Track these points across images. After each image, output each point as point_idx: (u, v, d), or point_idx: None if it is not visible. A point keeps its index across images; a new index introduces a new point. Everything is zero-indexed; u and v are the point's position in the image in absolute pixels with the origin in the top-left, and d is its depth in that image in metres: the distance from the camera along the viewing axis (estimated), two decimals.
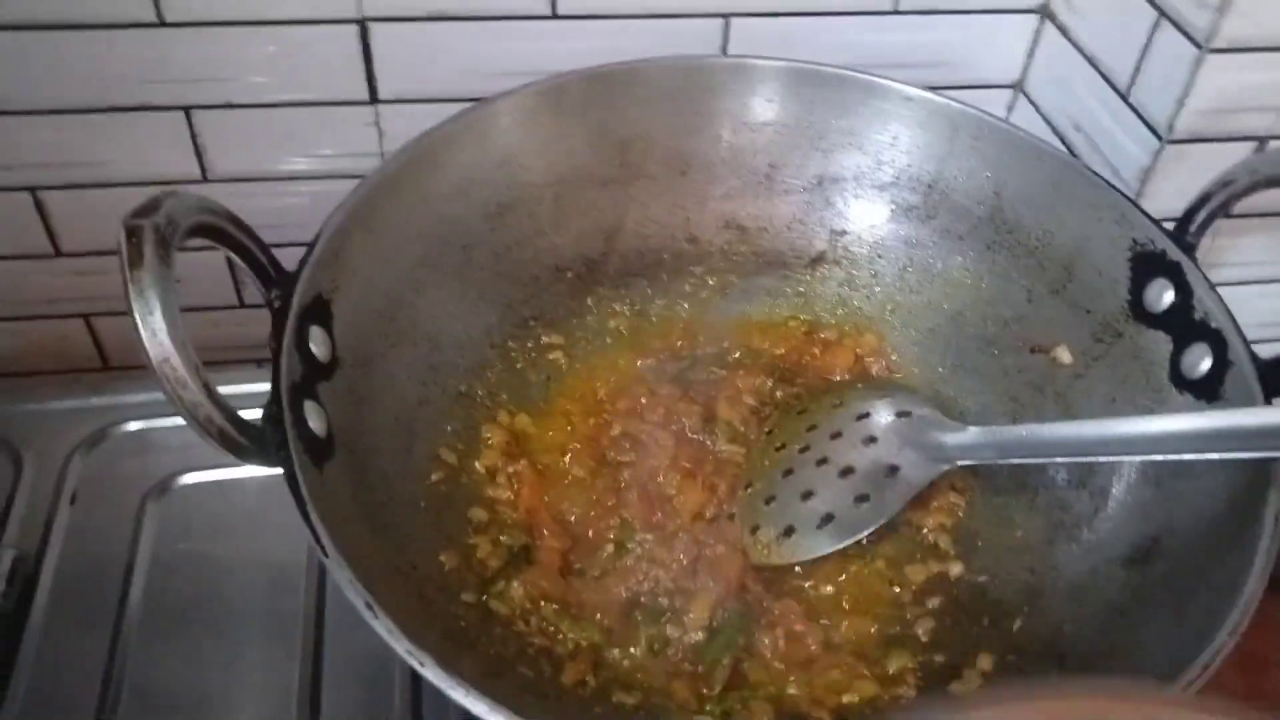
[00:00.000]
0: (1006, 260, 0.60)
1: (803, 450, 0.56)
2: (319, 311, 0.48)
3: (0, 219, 0.67)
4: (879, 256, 0.64)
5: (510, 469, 0.54)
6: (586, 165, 0.62)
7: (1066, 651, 0.49)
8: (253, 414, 0.43)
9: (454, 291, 0.57)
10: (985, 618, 0.52)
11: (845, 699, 0.48)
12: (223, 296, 0.73)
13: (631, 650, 0.49)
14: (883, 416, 0.56)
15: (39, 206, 0.67)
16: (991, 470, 0.57)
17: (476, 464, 0.55)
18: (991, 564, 0.54)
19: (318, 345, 0.47)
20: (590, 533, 0.54)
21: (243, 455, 0.41)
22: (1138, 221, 0.54)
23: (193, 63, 0.62)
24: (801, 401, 0.60)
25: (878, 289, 0.64)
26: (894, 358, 0.63)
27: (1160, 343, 0.53)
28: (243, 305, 0.74)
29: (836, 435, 0.56)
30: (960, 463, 0.54)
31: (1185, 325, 0.52)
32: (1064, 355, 0.57)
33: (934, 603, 0.53)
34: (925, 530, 0.55)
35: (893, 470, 0.54)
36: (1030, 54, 0.71)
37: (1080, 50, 0.66)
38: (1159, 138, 0.59)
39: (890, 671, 0.50)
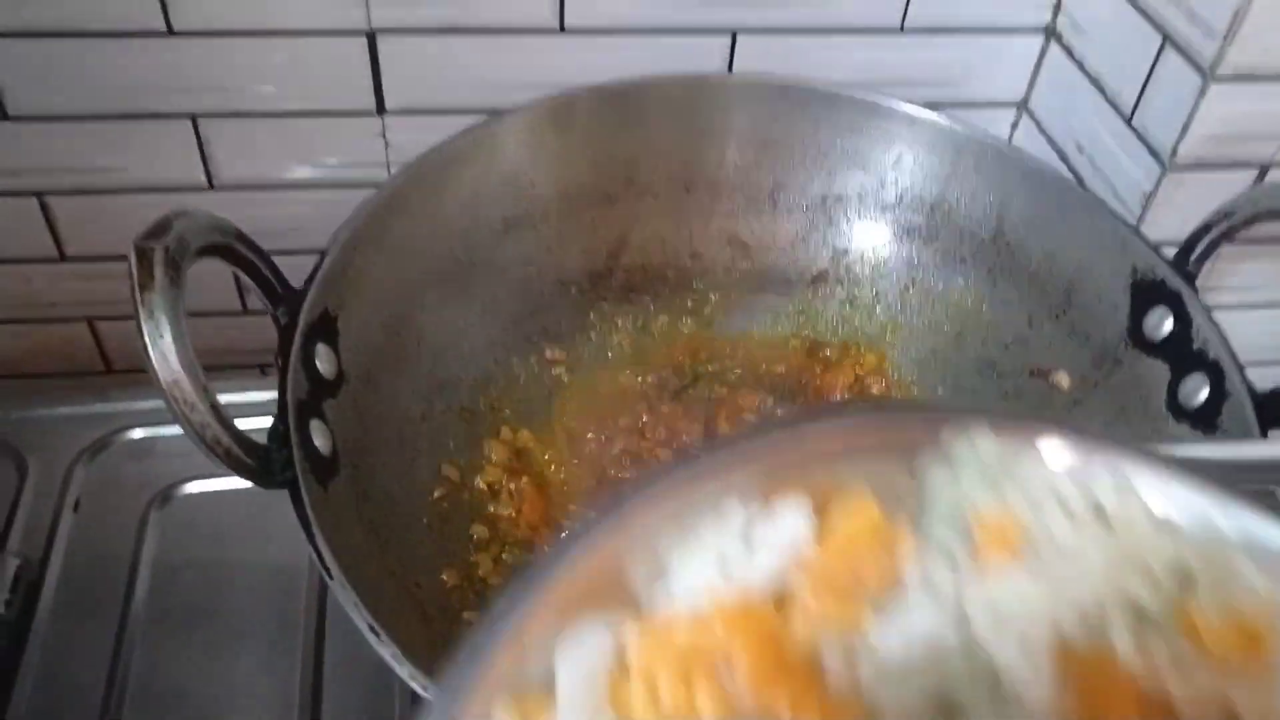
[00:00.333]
0: (1008, 283, 0.61)
1: None
2: (325, 329, 0.48)
3: (7, 223, 0.67)
4: (881, 276, 0.65)
5: (512, 485, 0.55)
6: (592, 181, 0.62)
7: None
8: (256, 422, 0.43)
9: (459, 306, 0.58)
10: None
11: None
12: (227, 303, 0.73)
13: None
14: None
15: (45, 211, 0.67)
16: None
17: (478, 480, 0.55)
18: None
19: (323, 362, 0.47)
20: None
21: (249, 475, 0.41)
22: (1138, 249, 0.55)
23: (201, 71, 0.62)
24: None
25: (879, 309, 0.65)
26: (894, 377, 0.63)
27: (1158, 371, 0.53)
28: (246, 311, 0.74)
29: None
30: None
31: (1183, 354, 0.52)
32: (1063, 380, 0.58)
33: None
34: None
35: None
36: (1035, 74, 0.71)
37: (1085, 72, 0.66)
38: (1161, 163, 0.59)
39: None
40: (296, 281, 0.48)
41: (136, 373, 0.39)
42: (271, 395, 0.44)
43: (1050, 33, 0.69)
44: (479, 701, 0.24)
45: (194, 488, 0.63)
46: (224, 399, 0.67)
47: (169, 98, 0.63)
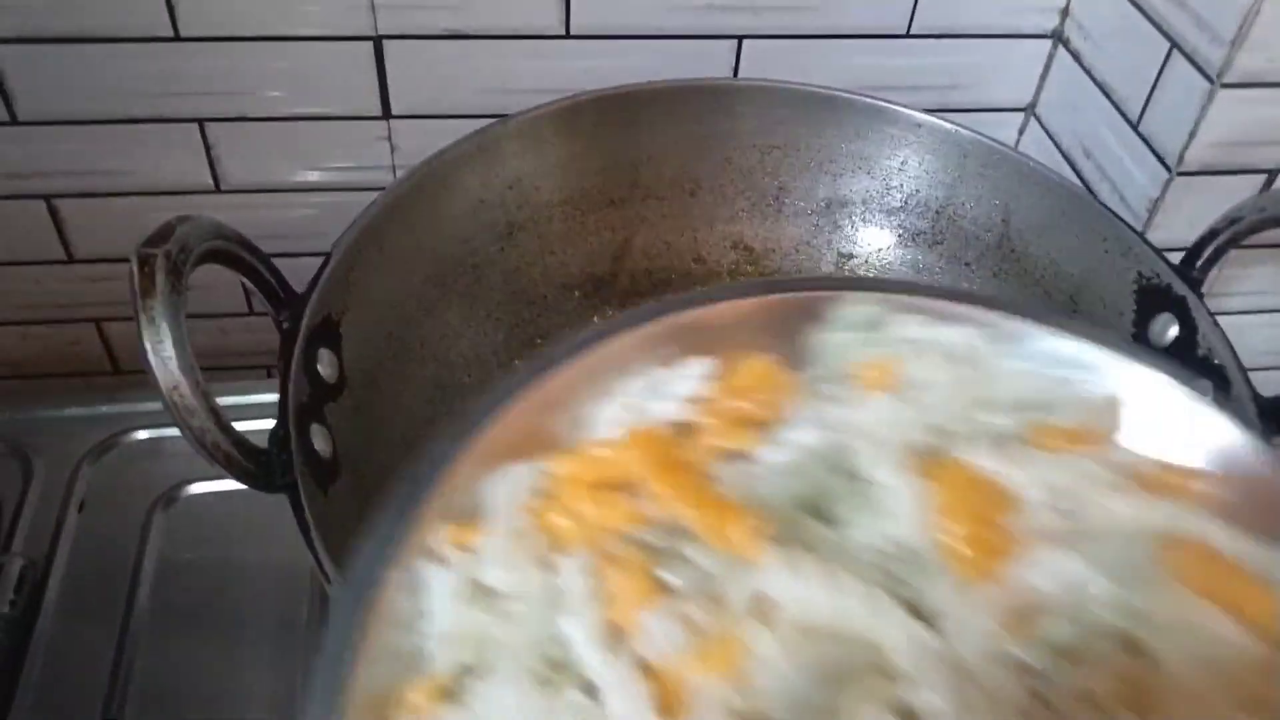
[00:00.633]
0: (1013, 288, 0.61)
1: None
2: (328, 334, 0.48)
3: (15, 226, 0.68)
4: None
5: None
6: (596, 185, 0.62)
7: None
8: (260, 424, 0.44)
9: (463, 311, 0.58)
10: None
11: None
12: (234, 304, 0.74)
13: None
14: None
15: (53, 214, 0.67)
16: None
17: None
18: None
19: (325, 367, 0.48)
20: None
21: (248, 480, 0.41)
22: (1144, 254, 0.54)
23: (207, 76, 0.63)
24: None
25: None
26: None
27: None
28: (252, 313, 0.74)
29: None
30: None
31: (1188, 361, 0.52)
32: None
33: None
34: None
35: None
36: (1043, 78, 0.71)
37: (1092, 77, 0.66)
38: (1168, 169, 0.59)
39: None
40: (303, 283, 0.49)
41: (143, 374, 0.39)
42: (275, 397, 0.44)
43: (1058, 38, 0.69)
44: (418, 527, 0.27)
45: (198, 489, 0.64)
46: (230, 401, 0.68)
47: (176, 102, 0.64)
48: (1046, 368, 0.32)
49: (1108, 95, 0.64)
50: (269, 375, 0.76)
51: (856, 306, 0.32)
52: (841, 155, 0.63)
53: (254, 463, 0.41)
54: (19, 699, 0.54)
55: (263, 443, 0.43)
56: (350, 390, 0.49)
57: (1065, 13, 0.68)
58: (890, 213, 0.64)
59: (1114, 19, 0.63)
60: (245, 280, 0.46)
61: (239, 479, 0.41)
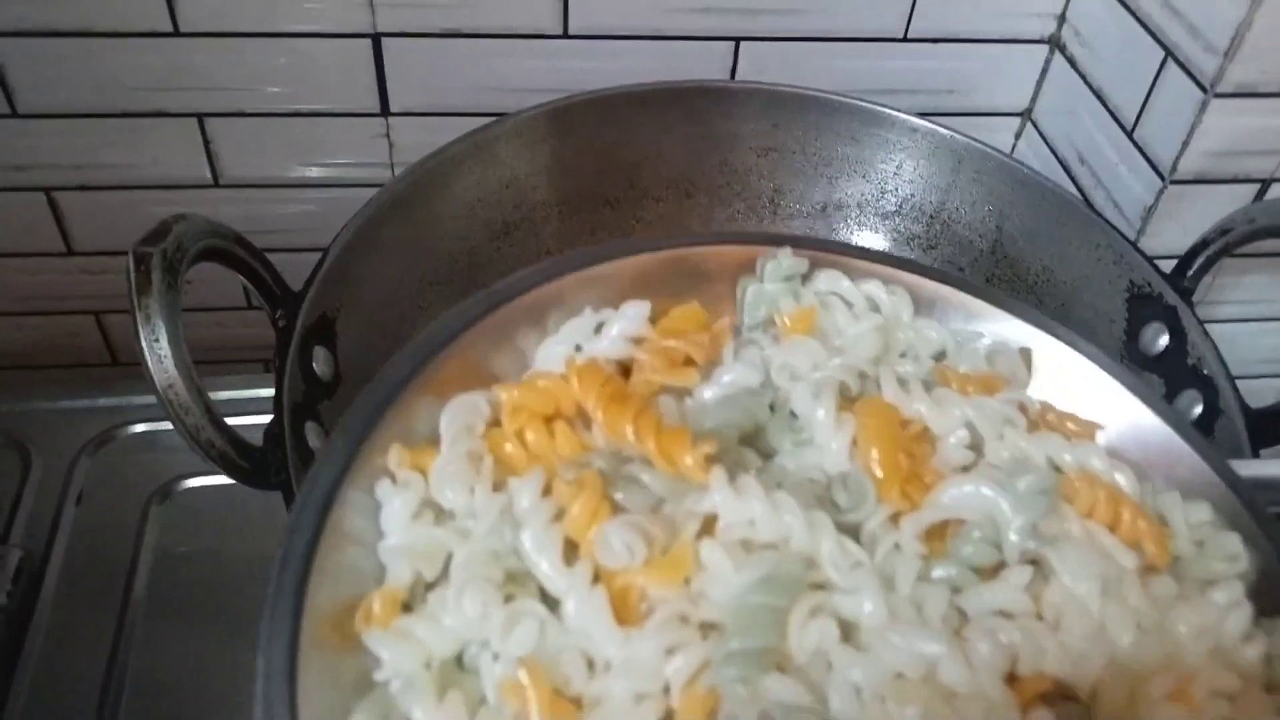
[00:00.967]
0: (1005, 293, 0.61)
1: None
2: (323, 332, 0.49)
3: (15, 218, 0.68)
4: None
5: None
6: (593, 186, 0.62)
7: None
8: (256, 419, 0.44)
9: None
10: None
11: None
12: (233, 298, 0.74)
13: None
14: None
15: (53, 207, 0.68)
16: None
17: None
18: None
19: (320, 364, 0.48)
20: None
21: (243, 477, 0.42)
22: (1136, 263, 0.55)
23: (207, 71, 0.63)
24: None
25: None
26: None
27: (1153, 387, 0.53)
28: (250, 306, 0.75)
29: None
30: None
31: (1178, 370, 0.52)
32: None
33: None
34: None
35: None
36: (1039, 84, 0.71)
37: (1088, 84, 0.66)
38: (1162, 177, 0.59)
39: None
40: (300, 278, 0.49)
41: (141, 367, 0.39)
42: (272, 392, 0.44)
43: (1054, 43, 0.69)
44: (374, 451, 0.29)
45: (195, 482, 0.64)
46: (228, 395, 0.68)
47: (175, 97, 0.64)
48: (960, 324, 0.37)
49: (1103, 102, 0.65)
50: (266, 369, 0.77)
51: (783, 260, 0.36)
52: (837, 159, 0.64)
53: (248, 460, 0.42)
54: (16, 688, 0.54)
55: (258, 438, 0.43)
56: (346, 388, 0.49)
57: (1062, 18, 0.68)
58: (885, 216, 0.64)
59: (1110, 25, 0.63)
60: (242, 279, 0.46)
61: (233, 476, 0.42)
